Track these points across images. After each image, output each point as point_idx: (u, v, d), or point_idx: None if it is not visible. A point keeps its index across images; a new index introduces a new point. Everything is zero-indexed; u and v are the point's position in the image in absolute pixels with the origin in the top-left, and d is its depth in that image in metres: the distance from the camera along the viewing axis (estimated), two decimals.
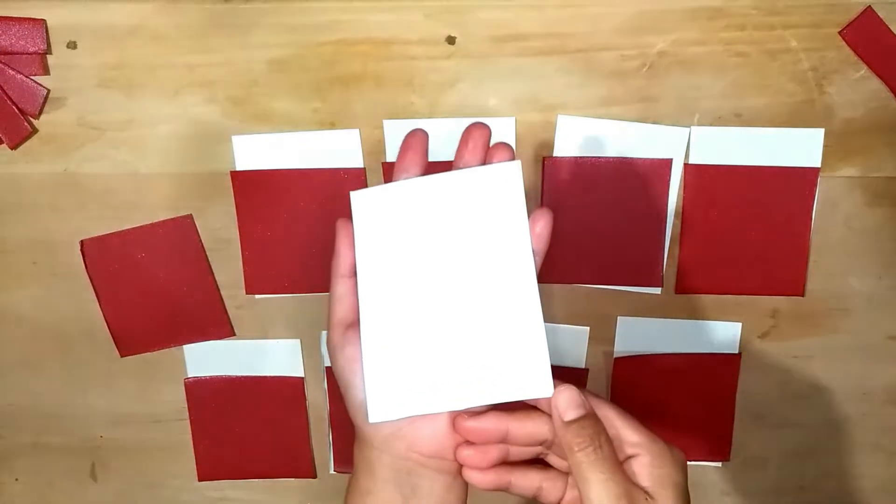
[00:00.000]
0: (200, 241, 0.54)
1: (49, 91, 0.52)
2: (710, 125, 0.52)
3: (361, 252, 0.41)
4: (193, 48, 0.52)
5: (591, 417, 0.38)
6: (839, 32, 0.51)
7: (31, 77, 0.52)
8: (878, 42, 0.51)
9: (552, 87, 0.52)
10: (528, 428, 0.39)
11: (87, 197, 0.54)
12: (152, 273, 0.54)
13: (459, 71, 0.52)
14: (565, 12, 0.51)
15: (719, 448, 0.56)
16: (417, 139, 0.42)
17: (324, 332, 0.55)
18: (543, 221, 0.40)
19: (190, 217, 0.54)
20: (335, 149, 0.53)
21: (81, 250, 0.54)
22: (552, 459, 0.41)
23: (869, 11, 0.51)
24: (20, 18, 0.51)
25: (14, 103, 0.52)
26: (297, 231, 0.54)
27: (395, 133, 0.52)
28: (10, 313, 0.56)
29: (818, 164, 0.52)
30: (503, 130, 0.52)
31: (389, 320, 0.40)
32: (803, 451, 0.57)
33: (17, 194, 0.54)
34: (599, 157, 0.52)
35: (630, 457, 0.38)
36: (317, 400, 0.56)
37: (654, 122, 0.52)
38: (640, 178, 0.53)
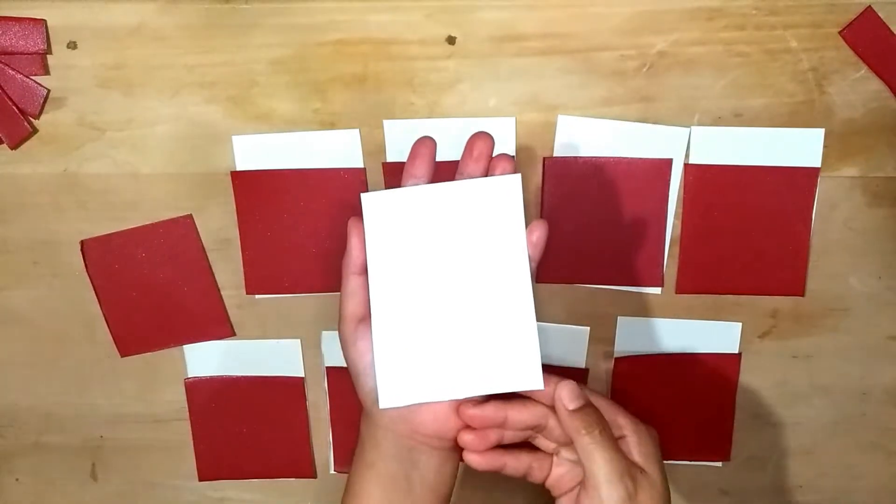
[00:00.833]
0: (200, 241, 0.54)
1: (49, 91, 0.52)
2: (710, 125, 0.52)
3: (372, 251, 0.44)
4: (193, 48, 0.52)
5: (590, 406, 0.42)
6: (839, 32, 0.51)
7: (32, 77, 0.52)
8: (878, 42, 0.51)
9: (552, 87, 0.52)
10: (523, 415, 0.43)
11: (87, 197, 0.54)
12: (152, 273, 0.54)
13: (459, 71, 0.52)
14: (565, 12, 0.51)
15: (719, 448, 0.56)
16: (426, 147, 0.45)
17: (324, 332, 0.55)
18: (539, 232, 0.44)
19: (190, 217, 0.54)
20: (335, 149, 0.53)
21: (82, 250, 0.54)
22: (539, 442, 0.45)
23: (869, 11, 0.51)
24: (20, 18, 0.51)
25: (14, 103, 0.52)
26: (298, 231, 0.54)
27: (395, 133, 0.52)
28: (11, 313, 0.56)
29: (818, 164, 0.53)
30: (503, 131, 0.52)
31: (398, 316, 0.43)
32: (803, 451, 0.57)
33: (18, 194, 0.54)
34: (600, 157, 0.52)
35: (619, 438, 0.44)
36: (317, 400, 0.56)
37: (654, 122, 0.52)
38: (641, 178, 0.53)
